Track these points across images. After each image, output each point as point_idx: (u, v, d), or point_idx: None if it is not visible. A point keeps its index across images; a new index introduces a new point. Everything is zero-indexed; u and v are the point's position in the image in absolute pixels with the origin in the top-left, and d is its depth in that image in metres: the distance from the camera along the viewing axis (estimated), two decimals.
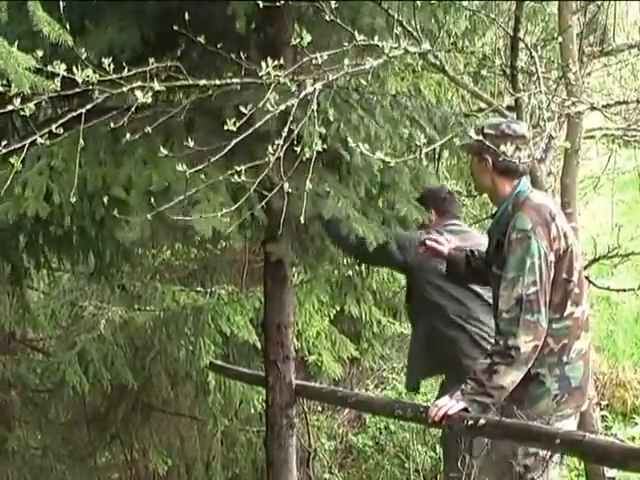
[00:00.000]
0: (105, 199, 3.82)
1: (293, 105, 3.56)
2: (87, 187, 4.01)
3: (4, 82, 3.35)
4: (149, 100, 3.47)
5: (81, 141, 3.63)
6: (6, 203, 3.94)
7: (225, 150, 3.50)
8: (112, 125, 3.67)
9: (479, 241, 5.11)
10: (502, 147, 3.94)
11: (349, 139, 3.81)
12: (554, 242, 3.92)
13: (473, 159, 4.23)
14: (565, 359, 4.00)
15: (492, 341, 4.15)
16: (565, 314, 3.98)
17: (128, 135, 3.63)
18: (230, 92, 3.85)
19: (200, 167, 3.56)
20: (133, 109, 3.56)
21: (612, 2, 7.31)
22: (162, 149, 3.54)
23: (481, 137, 4.02)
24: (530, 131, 4.25)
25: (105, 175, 4.08)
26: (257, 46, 4.49)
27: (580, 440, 3.47)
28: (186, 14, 3.79)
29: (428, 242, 4.77)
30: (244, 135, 3.47)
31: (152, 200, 3.72)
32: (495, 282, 4.07)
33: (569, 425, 4.07)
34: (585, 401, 4.16)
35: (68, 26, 3.66)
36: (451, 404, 3.92)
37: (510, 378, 3.87)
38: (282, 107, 3.50)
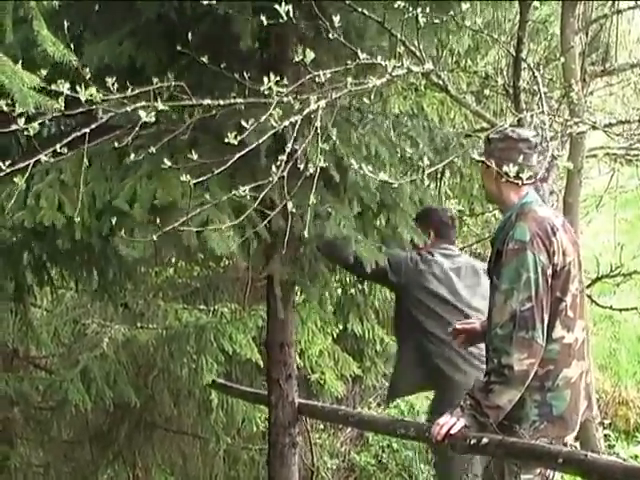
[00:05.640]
0: (111, 214, 3.85)
1: (296, 122, 3.56)
2: (96, 203, 4.03)
3: (8, 102, 3.37)
4: (152, 119, 3.48)
5: (85, 161, 3.65)
6: (21, 212, 3.95)
7: (226, 165, 3.51)
8: (117, 144, 3.69)
9: (468, 264, 5.27)
10: (506, 152, 3.90)
11: (347, 158, 3.81)
12: (553, 256, 3.81)
13: (483, 165, 4.10)
14: (548, 385, 3.86)
15: (482, 356, 4.11)
16: (554, 337, 3.85)
17: (133, 154, 3.66)
18: (234, 111, 3.86)
19: (203, 179, 3.57)
20: (137, 127, 3.56)
21: (614, 22, 7.34)
22: (166, 161, 3.54)
23: (487, 143, 4.01)
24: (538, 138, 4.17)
25: (111, 190, 4.10)
26: (261, 65, 4.51)
27: (583, 459, 3.45)
28: (190, 33, 3.81)
29: (459, 326, 4.60)
30: (244, 151, 3.47)
31: (157, 215, 3.75)
32: (492, 292, 3.98)
33: None
34: (569, 433, 3.97)
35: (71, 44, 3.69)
36: (452, 422, 3.85)
37: (506, 397, 3.78)
38: (286, 124, 3.51)
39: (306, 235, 3.67)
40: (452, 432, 3.85)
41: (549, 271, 3.80)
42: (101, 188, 4.08)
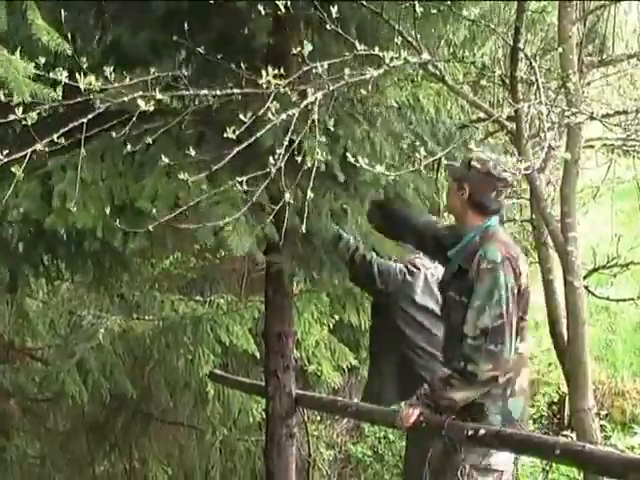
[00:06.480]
0: (132, 213, 3.87)
1: (294, 115, 3.55)
2: (114, 200, 4.01)
3: (6, 92, 3.35)
4: (151, 109, 3.46)
5: (83, 151, 3.62)
6: (51, 217, 3.94)
7: (226, 159, 3.49)
8: (120, 138, 3.67)
9: None
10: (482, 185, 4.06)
11: (350, 154, 3.78)
12: (519, 278, 3.99)
13: (453, 183, 4.26)
14: (508, 392, 4.05)
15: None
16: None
17: (136, 147, 3.66)
18: (238, 104, 3.85)
19: (204, 174, 3.56)
20: (142, 118, 3.55)
21: (611, 12, 7.32)
22: (163, 157, 3.52)
23: (466, 167, 4.11)
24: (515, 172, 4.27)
25: (127, 187, 4.07)
26: (264, 56, 4.48)
27: (580, 450, 3.47)
28: (192, 22, 3.80)
29: None
30: (245, 144, 3.46)
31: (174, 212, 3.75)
32: (453, 306, 4.15)
33: (504, 456, 4.09)
34: None
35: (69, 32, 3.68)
36: (408, 411, 4.10)
37: (464, 394, 3.97)
38: (283, 116, 3.49)
39: (303, 230, 3.67)
40: (412, 420, 4.08)
41: (515, 291, 3.98)
42: (117, 185, 4.05)
